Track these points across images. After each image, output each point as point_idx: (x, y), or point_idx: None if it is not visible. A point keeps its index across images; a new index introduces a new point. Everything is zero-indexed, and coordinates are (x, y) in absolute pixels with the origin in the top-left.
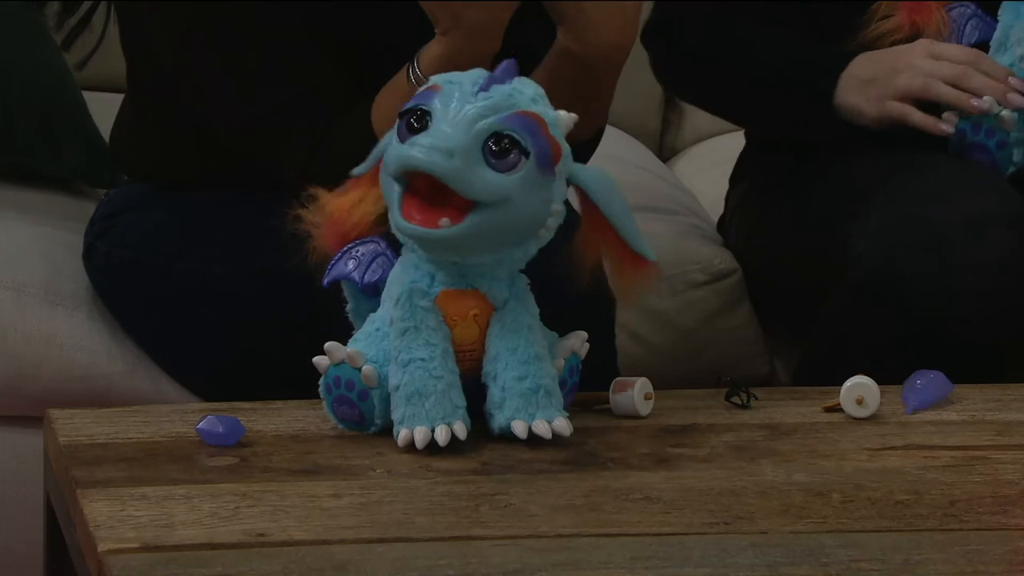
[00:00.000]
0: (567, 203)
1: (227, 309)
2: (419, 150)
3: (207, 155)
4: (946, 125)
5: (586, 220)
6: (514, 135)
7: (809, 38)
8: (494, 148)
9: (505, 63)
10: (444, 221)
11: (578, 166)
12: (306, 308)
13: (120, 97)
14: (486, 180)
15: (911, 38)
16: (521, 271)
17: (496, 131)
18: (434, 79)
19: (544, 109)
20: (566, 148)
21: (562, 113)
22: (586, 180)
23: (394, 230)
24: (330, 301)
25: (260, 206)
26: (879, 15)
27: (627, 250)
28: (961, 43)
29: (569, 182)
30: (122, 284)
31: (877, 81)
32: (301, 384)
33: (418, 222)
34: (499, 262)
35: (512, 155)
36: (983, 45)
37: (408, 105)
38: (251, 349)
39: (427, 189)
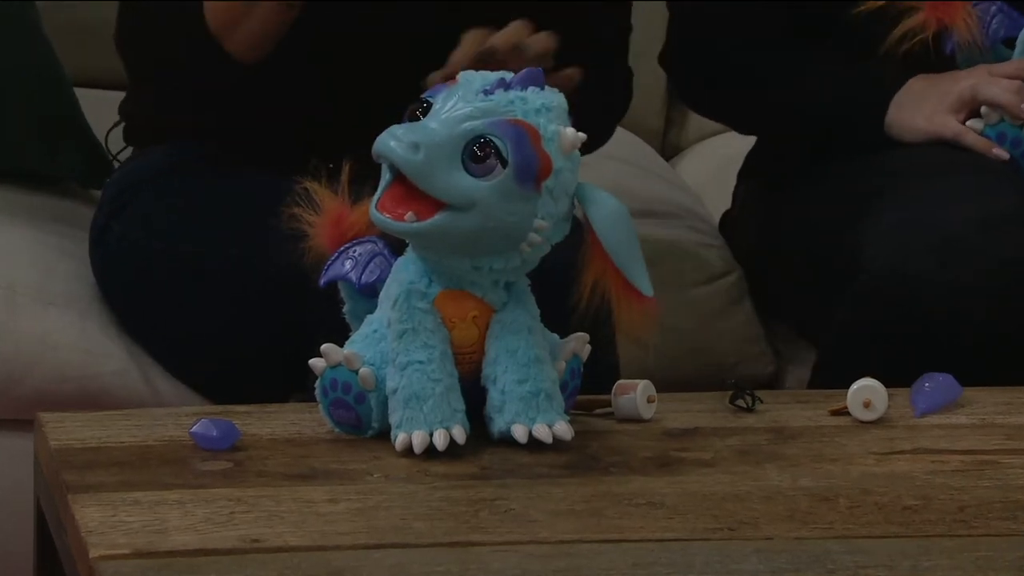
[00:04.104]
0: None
1: (242, 303)
2: (390, 138)
3: (204, 116)
4: (998, 150)
5: (589, 243)
6: (495, 141)
7: (833, 40)
8: (477, 152)
9: (527, 70)
10: (409, 215)
11: (588, 187)
12: (304, 308)
13: (115, 94)
14: (452, 181)
15: (937, 35)
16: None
17: (479, 134)
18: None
19: (546, 123)
20: (559, 164)
21: (567, 130)
22: (588, 204)
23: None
24: (325, 302)
25: (274, 189)
26: (904, 13)
27: (624, 282)
28: (987, 40)
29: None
30: (134, 267)
31: (931, 98)
32: (299, 384)
33: (387, 212)
34: (477, 269)
35: (489, 161)
36: (1009, 42)
37: (422, 95)
38: (264, 343)
39: (412, 183)
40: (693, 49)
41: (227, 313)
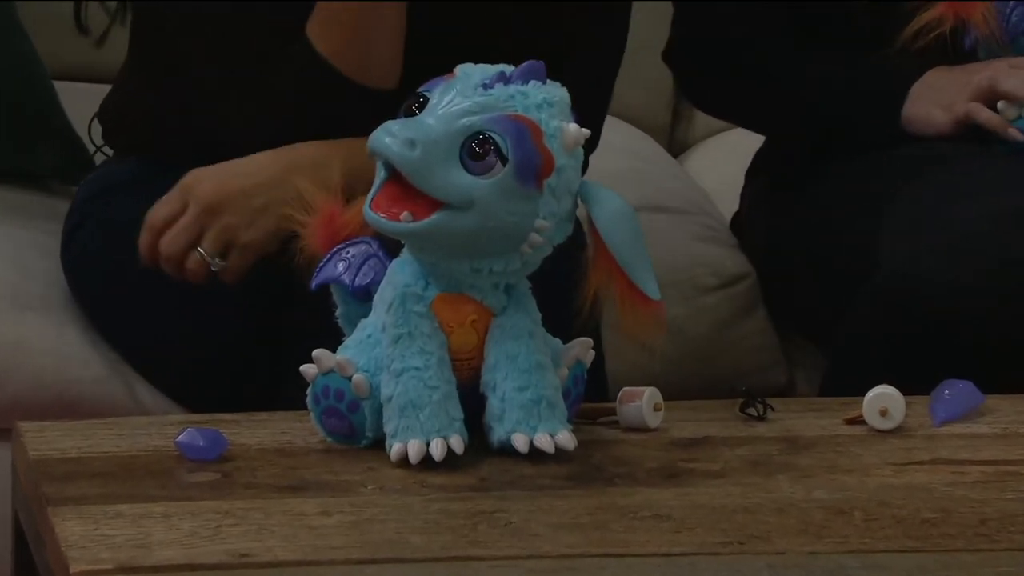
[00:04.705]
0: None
1: (214, 307)
2: (386, 134)
3: (205, 122)
4: (1013, 130)
5: (593, 243)
6: (495, 138)
7: (846, 37)
8: (476, 149)
9: (528, 63)
10: (405, 215)
11: (591, 185)
12: (293, 311)
13: (96, 88)
14: (449, 179)
15: (954, 30)
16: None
17: (478, 131)
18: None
19: (548, 118)
20: (562, 161)
21: (570, 126)
22: (592, 203)
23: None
24: (317, 305)
25: None
26: (917, 9)
27: (629, 284)
28: (1007, 34)
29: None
30: (99, 277)
31: (948, 89)
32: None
33: (381, 212)
34: (476, 271)
35: (488, 158)
36: None
37: (418, 90)
38: (236, 351)
39: (408, 181)
40: (697, 46)
41: (197, 319)
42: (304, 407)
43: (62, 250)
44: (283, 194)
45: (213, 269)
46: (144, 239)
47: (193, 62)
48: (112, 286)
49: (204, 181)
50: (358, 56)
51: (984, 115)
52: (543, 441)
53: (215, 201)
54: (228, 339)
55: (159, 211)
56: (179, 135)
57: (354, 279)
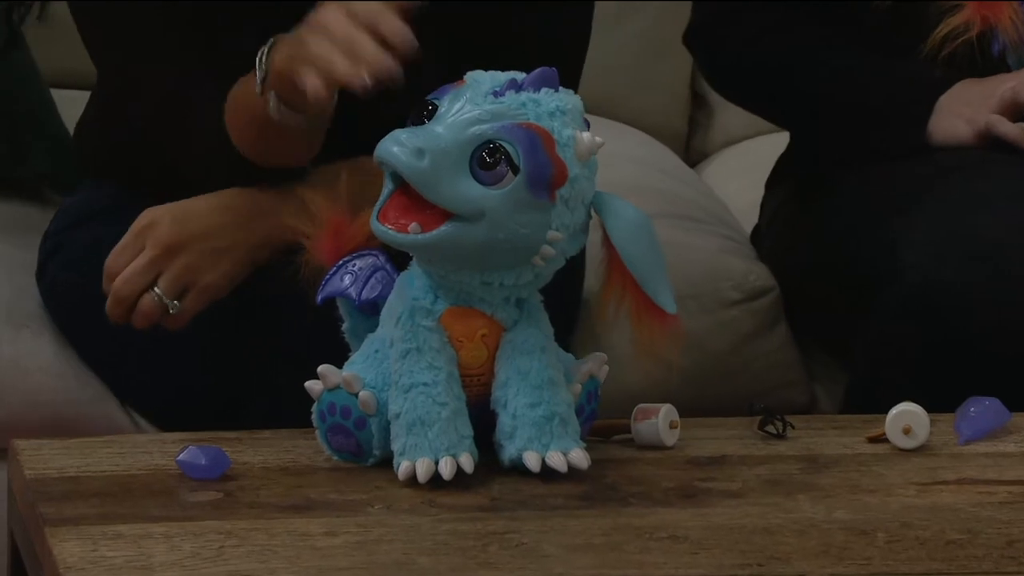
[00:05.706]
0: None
1: (190, 335)
2: (393, 143)
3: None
4: None
5: (607, 255)
6: (506, 147)
7: (873, 37)
8: (487, 158)
9: (540, 70)
10: (413, 226)
11: (606, 196)
12: (282, 331)
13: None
14: (458, 189)
15: (982, 35)
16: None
17: (488, 139)
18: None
19: (560, 126)
20: (575, 171)
21: (584, 135)
22: (606, 214)
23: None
24: (319, 321)
25: None
26: (947, 11)
27: (644, 297)
28: None
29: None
30: (70, 309)
31: (973, 101)
32: (276, 415)
33: (389, 223)
34: (487, 284)
35: (499, 168)
36: None
37: (427, 97)
38: (211, 379)
39: (417, 191)
40: (720, 27)
41: (173, 347)
42: (296, 424)
43: (37, 278)
44: (246, 236)
45: (171, 312)
46: (105, 287)
47: (136, 113)
48: (85, 315)
49: (162, 223)
50: (269, 150)
51: (1003, 127)
52: (555, 459)
53: (173, 243)
54: (206, 366)
55: (117, 258)
56: (142, 167)
57: (361, 292)
